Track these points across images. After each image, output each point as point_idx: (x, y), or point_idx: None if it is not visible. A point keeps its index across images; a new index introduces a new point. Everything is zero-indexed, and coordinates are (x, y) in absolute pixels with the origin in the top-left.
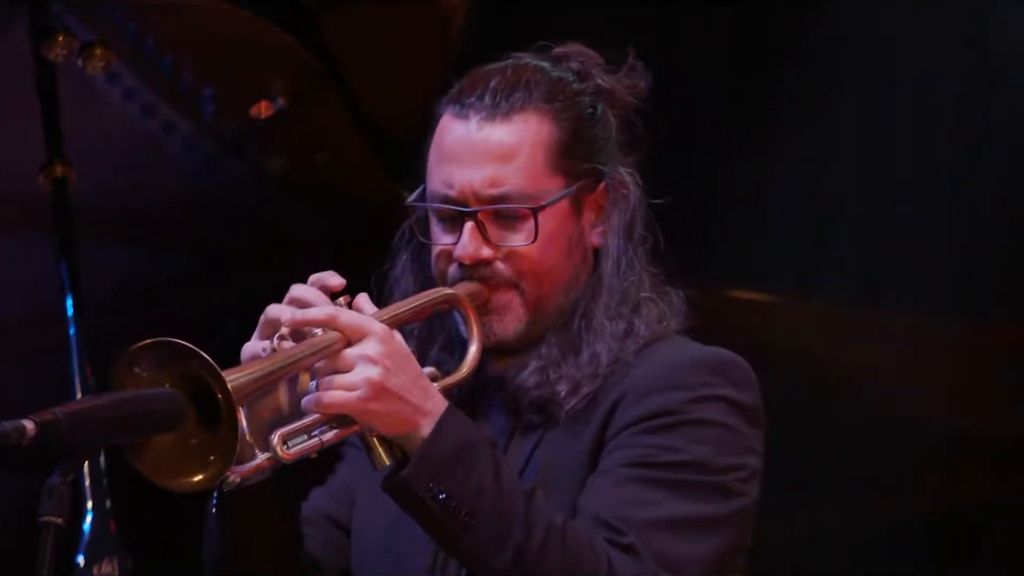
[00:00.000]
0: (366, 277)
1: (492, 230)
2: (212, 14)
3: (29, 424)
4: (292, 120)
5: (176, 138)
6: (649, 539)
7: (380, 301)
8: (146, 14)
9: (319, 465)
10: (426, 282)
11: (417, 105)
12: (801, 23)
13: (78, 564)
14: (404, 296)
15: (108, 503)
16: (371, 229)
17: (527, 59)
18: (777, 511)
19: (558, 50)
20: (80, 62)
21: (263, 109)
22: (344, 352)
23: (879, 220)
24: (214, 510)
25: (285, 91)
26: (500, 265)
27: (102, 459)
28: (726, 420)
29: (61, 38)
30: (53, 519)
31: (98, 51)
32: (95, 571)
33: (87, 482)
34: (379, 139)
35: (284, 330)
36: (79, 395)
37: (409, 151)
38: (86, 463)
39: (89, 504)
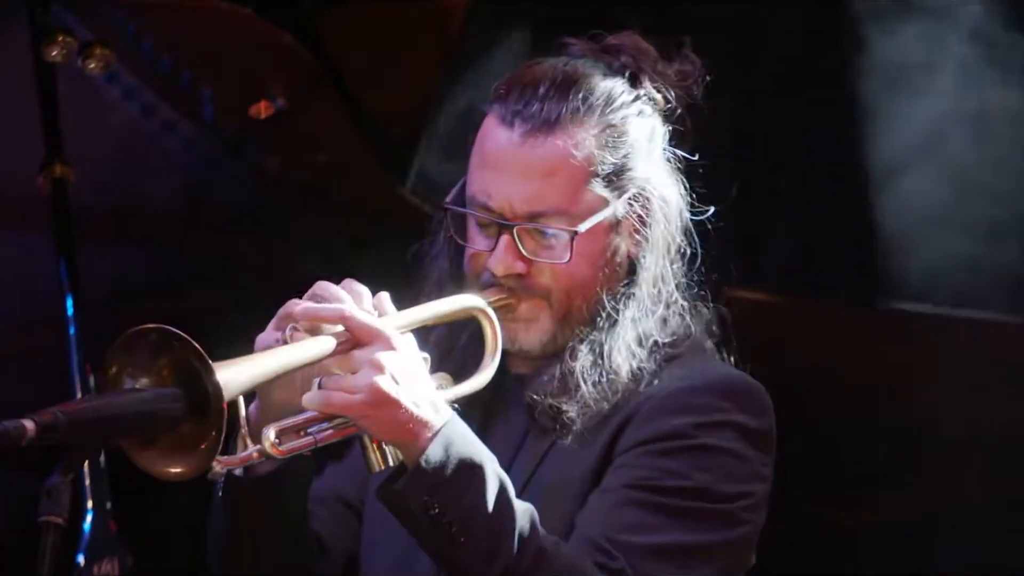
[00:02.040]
0: (365, 277)
1: (528, 244)
2: (212, 14)
3: (29, 424)
4: (292, 120)
5: (176, 138)
6: (641, 566)
7: (415, 275)
8: (146, 14)
9: (337, 444)
10: (460, 265)
11: (417, 105)
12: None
13: (78, 564)
14: (439, 276)
15: (108, 503)
16: (370, 229)
17: (579, 59)
18: (777, 510)
19: (611, 40)
20: (80, 62)
21: (263, 109)
22: (351, 354)
23: (881, 219)
24: (219, 491)
25: (285, 91)
26: (532, 278)
27: (102, 459)
28: (734, 447)
29: (61, 38)
30: (53, 519)
31: (98, 51)
32: (95, 571)
33: (87, 482)
34: (379, 139)
35: (298, 322)
36: (79, 395)
37: (409, 151)
38: (86, 463)
39: (89, 504)
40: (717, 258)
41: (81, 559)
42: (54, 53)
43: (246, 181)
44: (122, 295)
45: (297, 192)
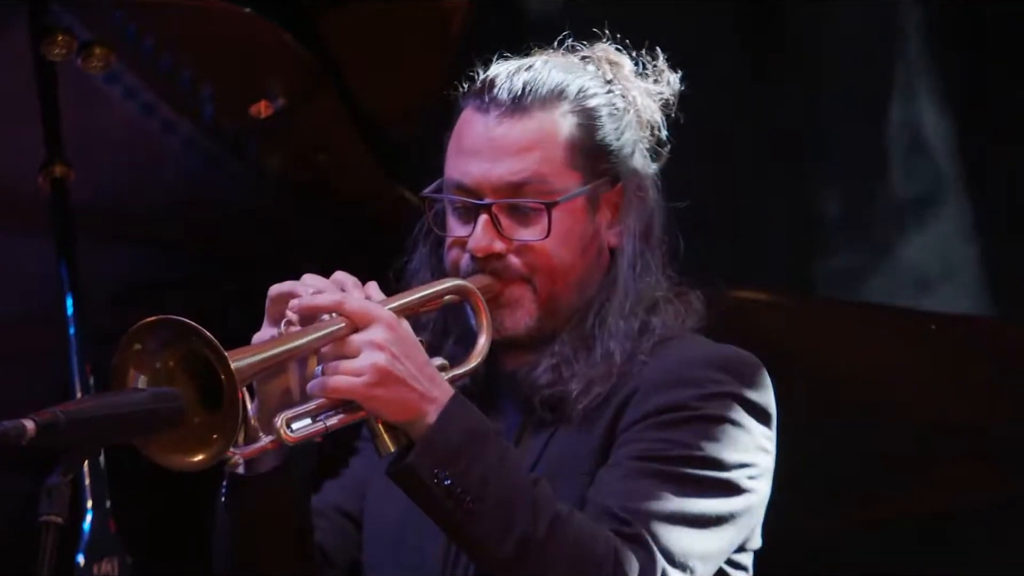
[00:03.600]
0: (366, 277)
1: (506, 224)
2: (212, 14)
3: (29, 424)
4: (292, 120)
5: (176, 138)
6: (656, 531)
7: (397, 292)
8: (146, 14)
9: (331, 458)
10: (443, 275)
11: (417, 105)
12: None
13: (78, 564)
14: (421, 285)
15: (108, 503)
16: (371, 229)
17: (553, 57)
18: (778, 511)
19: (586, 52)
20: (79, 62)
21: (263, 109)
22: (350, 338)
23: (880, 218)
24: (223, 500)
25: (285, 91)
26: (512, 259)
27: (102, 459)
28: (736, 417)
29: (61, 38)
30: (53, 519)
31: (97, 51)
32: (95, 571)
33: (87, 482)
34: (379, 139)
35: (292, 316)
36: (79, 395)
37: (409, 151)
38: (86, 463)
39: (89, 504)
40: (702, 250)
41: (81, 559)
42: (54, 52)
43: (246, 181)
44: (122, 295)
45: (297, 192)
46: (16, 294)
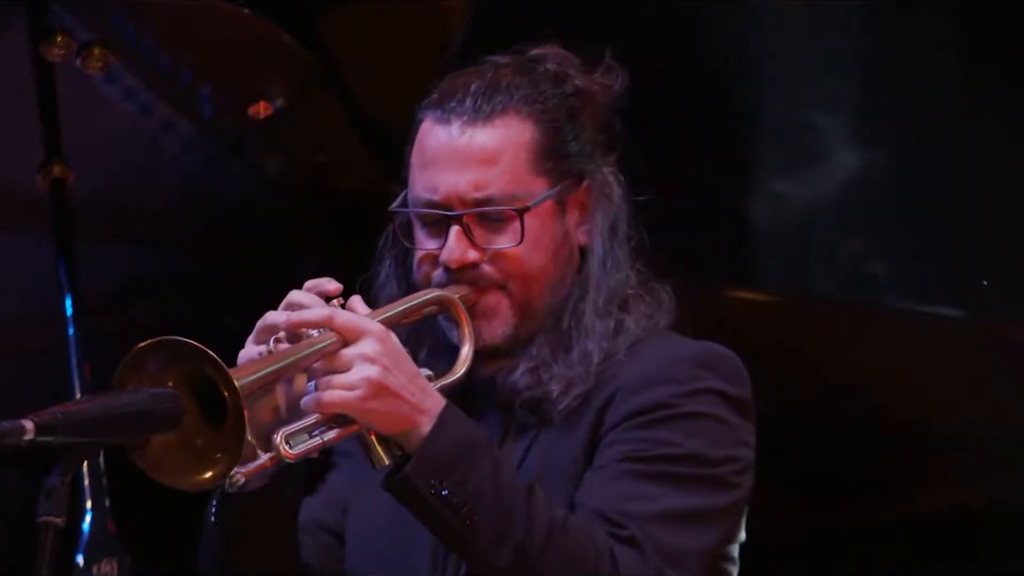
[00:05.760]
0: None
1: (478, 233)
2: (212, 14)
3: (29, 424)
4: (291, 120)
5: (175, 138)
6: (650, 532)
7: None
8: (145, 14)
9: (310, 475)
10: (410, 287)
11: (416, 105)
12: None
13: (78, 564)
14: (389, 302)
15: (108, 503)
16: (370, 229)
17: (504, 62)
18: (777, 511)
19: (535, 52)
20: (79, 62)
21: (262, 109)
22: (342, 352)
23: (879, 217)
24: (213, 513)
25: (284, 91)
26: (487, 267)
27: (102, 459)
28: (718, 412)
29: (60, 38)
30: (52, 519)
31: (96, 51)
32: (95, 571)
33: (87, 482)
34: (378, 139)
35: (280, 332)
36: (79, 395)
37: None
38: (86, 463)
39: (89, 504)
40: (667, 247)
41: (81, 559)
42: (53, 53)
43: (246, 181)
44: (122, 295)
45: (297, 192)
46: (16, 294)
